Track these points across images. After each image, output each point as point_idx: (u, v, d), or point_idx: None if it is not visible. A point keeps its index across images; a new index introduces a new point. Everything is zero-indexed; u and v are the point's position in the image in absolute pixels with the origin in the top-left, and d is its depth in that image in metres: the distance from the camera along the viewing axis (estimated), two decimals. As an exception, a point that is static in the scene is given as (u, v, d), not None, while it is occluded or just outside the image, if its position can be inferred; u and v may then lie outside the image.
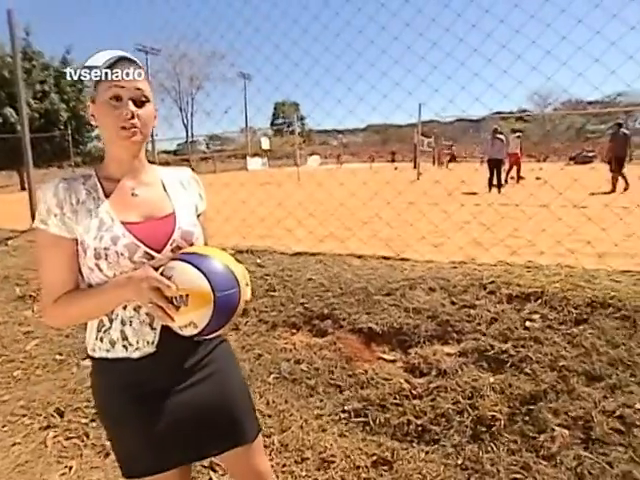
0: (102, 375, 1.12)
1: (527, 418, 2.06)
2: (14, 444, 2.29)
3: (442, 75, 3.89)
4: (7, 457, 2.20)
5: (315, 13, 4.24)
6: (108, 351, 1.07)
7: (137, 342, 1.06)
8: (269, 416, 2.29)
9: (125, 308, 1.06)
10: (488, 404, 2.14)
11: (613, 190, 10.05)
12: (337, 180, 6.41)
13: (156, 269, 1.00)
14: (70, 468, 2.10)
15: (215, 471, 2.00)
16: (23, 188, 17.63)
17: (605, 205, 4.64)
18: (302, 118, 50.96)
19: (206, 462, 2.01)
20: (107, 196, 1.08)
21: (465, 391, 2.25)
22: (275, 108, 66.36)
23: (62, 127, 23.06)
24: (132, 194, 1.11)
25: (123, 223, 1.05)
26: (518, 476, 1.81)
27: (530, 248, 4.27)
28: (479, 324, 2.66)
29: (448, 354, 2.54)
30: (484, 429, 2.05)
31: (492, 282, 2.98)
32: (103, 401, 1.14)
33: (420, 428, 2.13)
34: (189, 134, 50.91)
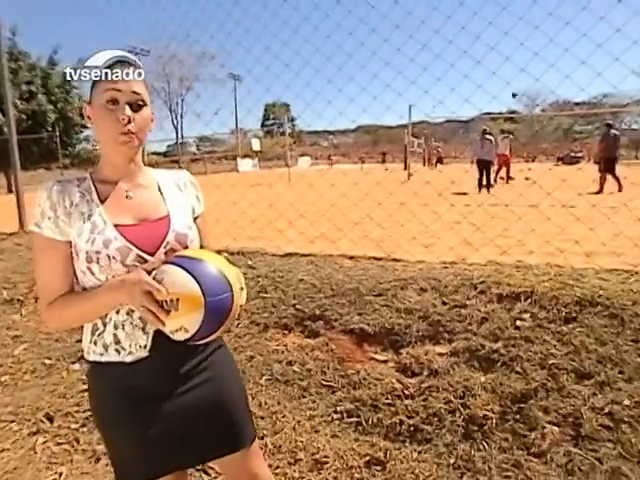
0: (96, 378, 1.12)
1: (518, 416, 2.08)
2: (2, 450, 2.25)
3: (432, 76, 3.92)
4: (-5, 464, 2.17)
5: (305, 14, 4.26)
6: (102, 355, 1.07)
7: (130, 346, 1.05)
8: (261, 418, 2.28)
9: (118, 312, 1.05)
10: (479, 403, 2.15)
11: (600, 191, 10.16)
12: (328, 181, 6.42)
13: (149, 272, 0.99)
14: (60, 474, 2.07)
15: (208, 474, 1.99)
16: (10, 190, 17.40)
17: (593, 205, 4.70)
18: (293, 119, 50.99)
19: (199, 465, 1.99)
20: (101, 199, 1.07)
21: (457, 390, 2.26)
22: (266, 109, 66.32)
23: (50, 128, 22.80)
24: (126, 196, 1.10)
25: (116, 226, 1.04)
26: (510, 474, 1.82)
27: (520, 248, 4.31)
28: (470, 324, 2.68)
29: (440, 354, 2.55)
30: (476, 428, 2.06)
31: (482, 282, 3.01)
32: (97, 404, 1.13)
33: (412, 428, 2.14)
34: (179, 135, 50.66)
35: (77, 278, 1.07)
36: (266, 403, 2.39)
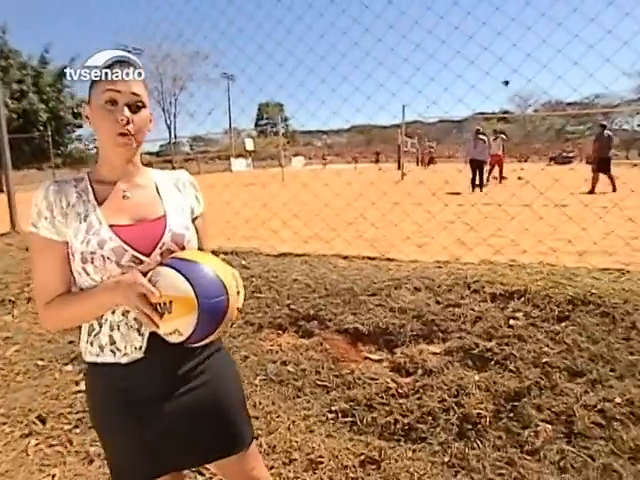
0: (93, 378, 1.12)
1: (512, 414, 2.09)
2: (-6, 453, 2.23)
3: (425, 76, 3.93)
4: (-13, 466, 2.14)
5: (299, 14, 4.25)
6: (97, 355, 1.06)
7: (125, 347, 1.04)
8: (256, 418, 2.27)
9: (114, 312, 1.04)
10: (473, 402, 2.16)
11: (592, 191, 10.24)
12: (322, 181, 6.42)
13: (145, 274, 0.98)
14: (53, 476, 2.05)
15: (202, 474, 1.98)
16: (1, 190, 17.23)
17: (585, 205, 4.74)
18: (286, 119, 50.95)
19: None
20: (97, 199, 1.07)
21: (451, 389, 2.27)
22: (259, 109, 66.16)
23: (41, 128, 22.62)
24: (123, 197, 1.10)
25: (112, 226, 1.03)
26: (503, 472, 1.84)
27: (513, 247, 4.34)
28: (464, 323, 2.69)
29: (434, 353, 2.56)
30: (470, 426, 2.07)
31: (476, 281, 3.02)
32: (94, 404, 1.13)
33: (407, 427, 2.15)
34: (172, 135, 50.41)
35: (74, 279, 1.07)
36: (260, 403, 2.39)
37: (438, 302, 2.91)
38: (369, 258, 3.88)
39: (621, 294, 2.66)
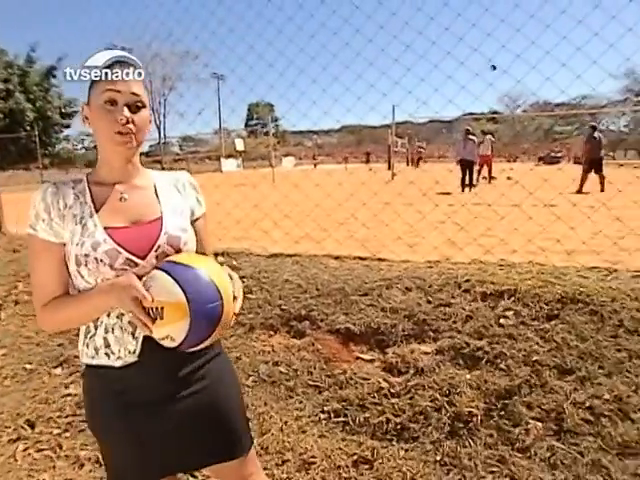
0: (89, 380, 1.11)
1: (502, 412, 2.11)
2: (-19, 458, 2.20)
3: (416, 77, 3.94)
4: (-26, 472, 2.11)
5: (290, 14, 4.25)
6: (93, 357, 1.06)
7: (119, 350, 1.03)
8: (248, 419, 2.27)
9: (109, 315, 1.04)
10: (465, 400, 2.18)
11: (580, 190, 10.35)
12: (312, 181, 6.41)
13: (140, 277, 0.97)
14: (42, 481, 2.03)
15: (194, 477, 1.97)
16: (-13, 191, 16.96)
17: (573, 205, 4.80)
18: (276, 119, 50.82)
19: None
20: (94, 201, 1.06)
21: (442, 388, 2.29)
22: (249, 109, 65.96)
23: (28, 128, 22.33)
24: (120, 198, 1.08)
25: (107, 228, 1.02)
26: (495, 469, 1.85)
27: (503, 247, 4.37)
28: (455, 322, 2.71)
29: (425, 352, 2.57)
30: (461, 425, 2.09)
31: (467, 281, 3.05)
32: (90, 405, 1.12)
33: (399, 426, 2.16)
34: (161, 135, 50.03)
35: (72, 280, 1.06)
36: (253, 404, 2.38)
37: (429, 302, 2.92)
38: (360, 258, 3.89)
39: (609, 292, 2.70)
